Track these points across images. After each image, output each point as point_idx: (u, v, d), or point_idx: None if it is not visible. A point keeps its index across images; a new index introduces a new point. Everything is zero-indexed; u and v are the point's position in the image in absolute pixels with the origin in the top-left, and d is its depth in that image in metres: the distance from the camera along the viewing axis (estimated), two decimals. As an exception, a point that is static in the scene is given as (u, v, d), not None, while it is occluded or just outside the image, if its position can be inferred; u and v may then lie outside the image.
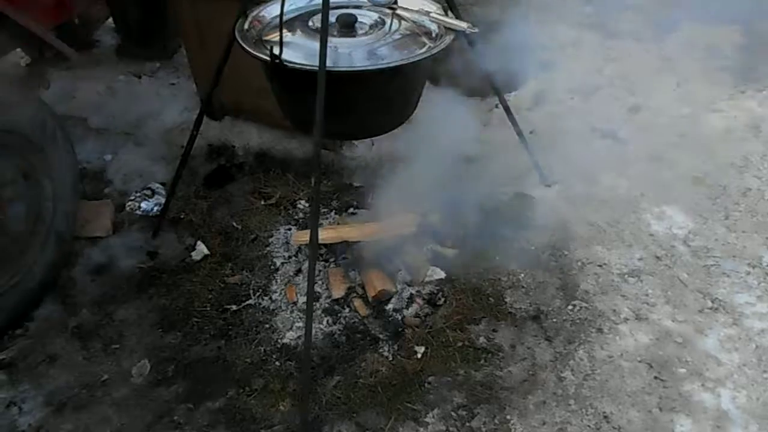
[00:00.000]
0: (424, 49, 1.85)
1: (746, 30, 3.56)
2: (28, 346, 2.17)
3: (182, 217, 2.63)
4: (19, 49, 2.58)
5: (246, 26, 1.95)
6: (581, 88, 3.27)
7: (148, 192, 2.75)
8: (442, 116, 3.05)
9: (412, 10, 2.01)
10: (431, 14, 1.97)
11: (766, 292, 2.25)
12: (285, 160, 2.90)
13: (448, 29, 1.90)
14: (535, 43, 3.57)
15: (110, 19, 3.50)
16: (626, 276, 2.32)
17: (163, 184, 2.79)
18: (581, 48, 3.62)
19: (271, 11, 2.04)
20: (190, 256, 2.46)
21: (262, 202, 2.69)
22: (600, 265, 2.36)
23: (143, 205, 2.69)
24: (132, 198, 2.71)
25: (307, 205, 2.66)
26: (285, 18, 1.76)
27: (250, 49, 1.81)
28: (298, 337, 2.15)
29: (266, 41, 1.93)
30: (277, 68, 1.73)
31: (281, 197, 2.70)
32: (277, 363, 2.09)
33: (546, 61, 3.47)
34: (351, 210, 2.62)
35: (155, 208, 2.66)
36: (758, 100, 3.12)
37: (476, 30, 1.83)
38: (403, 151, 2.75)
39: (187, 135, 2.44)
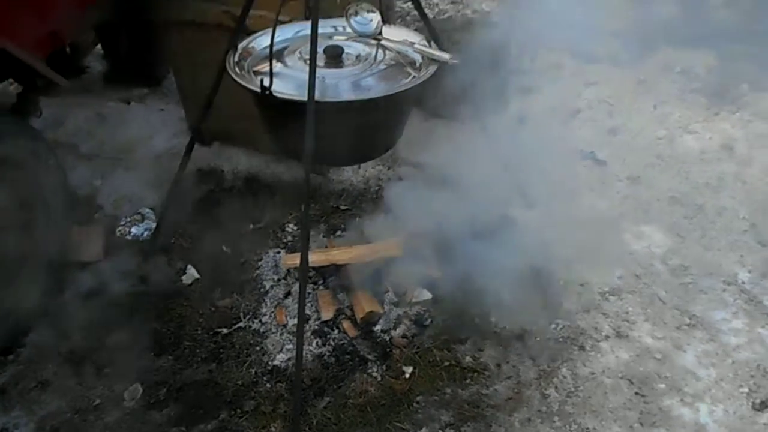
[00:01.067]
0: (408, 80, 1.93)
1: (719, 53, 3.68)
2: (20, 372, 2.20)
3: (173, 241, 2.67)
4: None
5: (236, 58, 2.02)
6: (562, 111, 3.37)
7: (138, 217, 2.78)
8: (424, 141, 3.13)
9: (396, 41, 2.08)
10: (415, 45, 2.05)
11: (742, 308, 2.34)
12: (273, 184, 2.95)
13: (432, 60, 1.98)
14: (517, 68, 3.68)
15: (99, 46, 3.56)
16: (607, 294, 2.40)
17: (152, 209, 2.82)
18: (561, 72, 3.73)
19: (260, 42, 2.11)
20: (181, 280, 2.50)
21: (251, 226, 2.74)
22: (581, 284, 2.44)
23: (134, 230, 2.72)
24: (122, 223, 2.75)
25: (295, 228, 2.71)
26: (273, 49, 1.83)
27: (241, 81, 1.87)
28: (288, 359, 2.19)
29: (256, 72, 2.00)
30: (267, 99, 1.79)
31: (270, 221, 2.75)
32: (268, 385, 2.13)
33: (527, 84, 3.57)
34: (339, 233, 2.67)
35: (145, 233, 2.70)
36: (731, 121, 3.23)
37: (457, 61, 1.91)
38: (388, 174, 2.82)
39: (176, 160, 2.48)
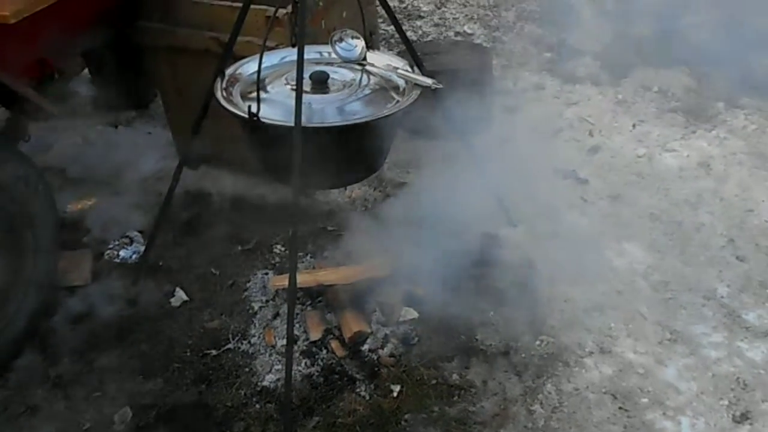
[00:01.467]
0: (392, 104, 1.98)
1: (695, 73, 3.79)
2: (8, 397, 2.20)
3: (161, 264, 2.69)
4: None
5: (224, 84, 2.06)
6: (543, 131, 3.44)
7: (127, 240, 2.80)
8: (410, 162, 3.19)
9: (380, 67, 2.14)
10: (398, 70, 2.10)
11: (721, 322, 2.39)
12: (260, 205, 2.98)
13: (415, 84, 2.03)
14: (500, 89, 3.76)
15: (86, 71, 3.59)
16: (590, 311, 2.44)
17: (141, 231, 2.84)
18: (543, 92, 3.81)
19: (247, 69, 2.16)
20: (170, 302, 2.52)
21: (239, 248, 2.77)
22: (565, 301, 2.48)
23: (122, 253, 2.74)
24: (110, 246, 2.77)
25: (283, 249, 2.74)
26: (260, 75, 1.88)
27: (229, 107, 1.92)
28: (278, 380, 2.22)
29: (244, 97, 2.04)
30: (255, 125, 1.84)
31: (258, 242, 2.78)
32: (258, 406, 2.15)
33: (510, 105, 3.65)
34: (326, 254, 2.70)
35: (134, 256, 2.72)
36: (708, 139, 3.31)
37: (441, 86, 1.96)
38: (374, 195, 2.87)
39: (163, 183, 2.52)
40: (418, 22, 4.50)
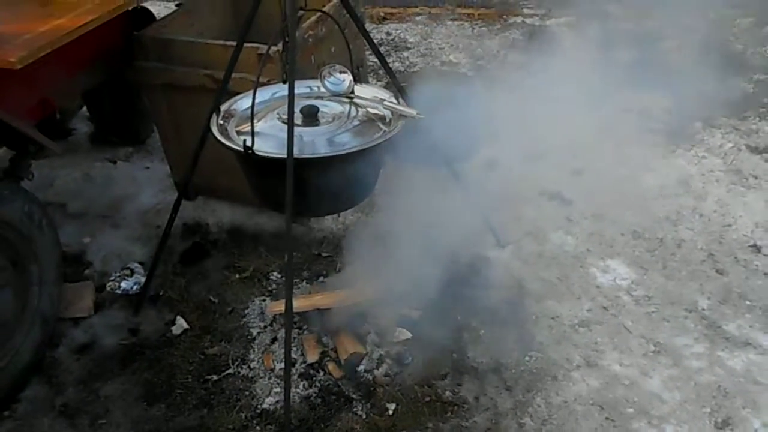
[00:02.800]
0: (380, 134, 2.10)
1: (673, 96, 3.92)
2: (15, 427, 2.27)
3: (161, 294, 2.77)
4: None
5: (220, 120, 2.18)
6: (529, 154, 3.55)
7: (127, 272, 2.89)
8: (400, 188, 3.28)
9: (367, 99, 2.26)
10: (384, 102, 2.22)
11: (703, 333, 2.49)
12: (257, 234, 3.08)
13: (401, 115, 2.15)
14: (486, 114, 3.88)
15: (84, 108, 3.71)
16: (577, 326, 2.53)
17: (141, 263, 2.93)
18: (528, 117, 3.93)
19: (240, 105, 2.28)
20: (171, 330, 2.60)
21: (237, 276, 2.86)
22: (552, 318, 2.57)
23: (123, 284, 2.82)
24: (112, 278, 2.85)
25: (279, 276, 2.83)
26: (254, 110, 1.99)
27: (225, 142, 2.03)
28: (277, 402, 2.29)
29: (238, 132, 2.15)
30: (250, 157, 1.94)
31: (255, 270, 2.87)
32: (258, 428, 2.22)
33: (496, 130, 3.76)
34: (321, 279, 2.80)
35: (135, 287, 2.80)
36: (687, 159, 3.44)
37: (423, 116, 2.08)
38: (366, 221, 2.96)
39: (162, 215, 2.62)
40: (405, 53, 4.65)
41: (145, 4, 2.90)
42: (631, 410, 2.20)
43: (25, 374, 2.38)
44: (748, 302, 2.61)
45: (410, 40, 4.85)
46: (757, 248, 2.87)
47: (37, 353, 2.43)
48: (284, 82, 2.29)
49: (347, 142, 2.07)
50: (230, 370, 2.42)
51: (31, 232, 2.34)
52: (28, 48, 2.16)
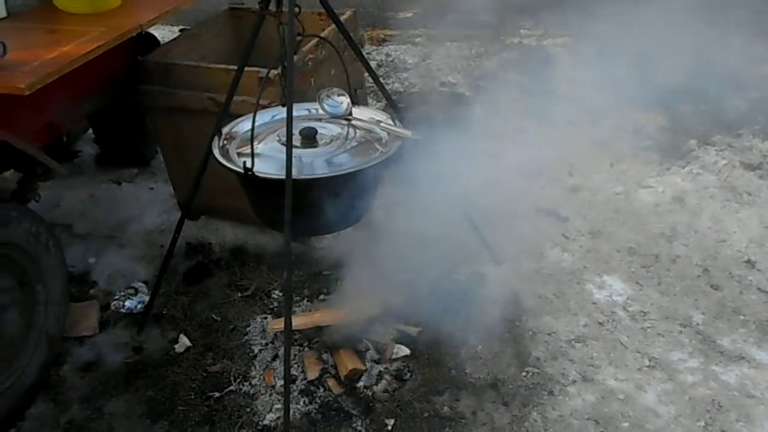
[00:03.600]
0: (376, 155, 2.16)
1: (668, 113, 3.99)
2: (21, 444, 2.31)
3: (165, 312, 2.82)
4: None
5: (221, 142, 2.24)
6: (525, 172, 3.61)
7: (132, 291, 2.94)
8: (397, 206, 3.34)
9: (364, 121, 2.32)
10: (381, 123, 2.28)
11: (697, 348, 2.52)
12: (259, 253, 3.13)
13: (397, 136, 2.21)
14: (483, 133, 3.94)
15: (90, 131, 3.79)
16: (573, 342, 2.57)
17: (145, 282, 2.98)
18: (524, 135, 4.00)
19: (241, 127, 2.34)
20: (174, 348, 2.64)
21: (239, 294, 2.91)
22: (549, 333, 2.61)
23: (127, 303, 2.87)
24: (116, 297, 2.90)
25: (281, 294, 2.88)
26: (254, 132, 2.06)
27: (226, 164, 2.09)
28: (278, 418, 2.33)
29: (239, 153, 2.21)
30: (250, 178, 2.00)
31: (257, 288, 2.92)
32: (259, 444, 2.26)
33: (493, 148, 3.82)
34: (321, 297, 2.84)
35: (139, 306, 2.85)
36: (681, 175, 3.49)
37: (419, 137, 2.14)
38: (365, 239, 3.01)
39: (166, 235, 2.67)
40: (404, 74, 4.73)
41: (149, 30, 2.97)
42: (626, 424, 2.23)
43: (30, 392, 2.42)
44: (742, 317, 2.65)
45: (409, 61, 4.94)
46: (751, 264, 2.92)
47: (43, 371, 2.48)
48: (283, 105, 2.35)
49: (345, 163, 2.13)
50: (232, 387, 2.46)
51: (38, 252, 2.39)
52: (36, 75, 2.23)
